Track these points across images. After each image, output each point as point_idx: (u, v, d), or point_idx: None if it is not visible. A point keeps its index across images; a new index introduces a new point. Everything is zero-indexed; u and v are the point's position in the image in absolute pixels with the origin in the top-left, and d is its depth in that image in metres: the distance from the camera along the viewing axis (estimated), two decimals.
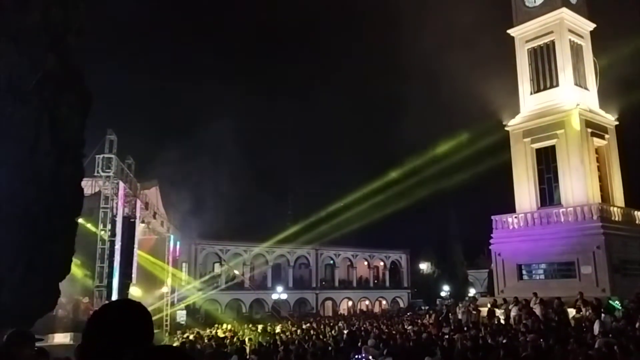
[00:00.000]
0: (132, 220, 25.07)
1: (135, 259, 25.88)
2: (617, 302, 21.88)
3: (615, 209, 28.62)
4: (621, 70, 31.01)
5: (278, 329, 28.64)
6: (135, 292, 26.94)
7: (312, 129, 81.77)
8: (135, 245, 26.04)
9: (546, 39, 30.94)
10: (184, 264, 43.42)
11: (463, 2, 34.42)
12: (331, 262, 56.82)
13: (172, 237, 35.67)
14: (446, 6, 36.04)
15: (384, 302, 58.40)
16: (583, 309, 20.70)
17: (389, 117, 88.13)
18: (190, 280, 42.92)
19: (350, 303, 56.16)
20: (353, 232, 51.80)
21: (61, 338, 18.85)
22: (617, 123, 31.11)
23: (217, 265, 50.41)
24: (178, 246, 38.11)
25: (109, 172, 21.97)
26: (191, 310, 41.61)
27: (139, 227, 28.13)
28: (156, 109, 64.49)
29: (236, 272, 48.98)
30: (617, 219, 28.02)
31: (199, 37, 79.61)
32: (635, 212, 29.71)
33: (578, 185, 28.31)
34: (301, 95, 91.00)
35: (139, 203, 26.69)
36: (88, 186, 21.06)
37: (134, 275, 25.45)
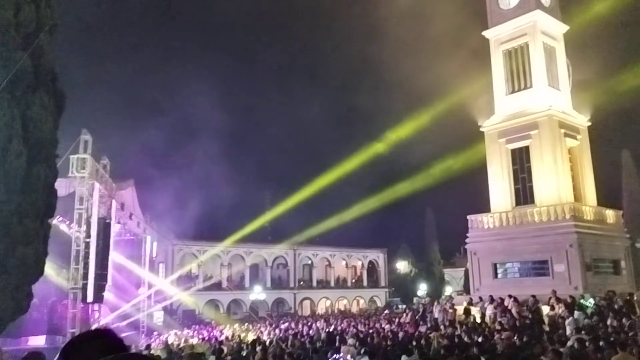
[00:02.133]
0: (108, 221, 24.73)
1: (110, 260, 25.54)
2: (590, 299, 22.35)
3: (587, 208, 29.18)
4: (593, 71, 31.69)
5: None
6: (110, 294, 26.61)
7: (291, 130, 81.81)
8: (111, 247, 25.70)
9: (520, 41, 31.38)
10: (160, 265, 42.96)
11: (439, 5, 34.75)
12: (309, 262, 56.88)
13: (148, 237, 35.29)
14: (421, 10, 36.38)
15: (361, 301, 58.63)
16: (556, 307, 21.08)
17: (363, 115, 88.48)
18: (167, 281, 42.52)
19: (328, 303, 56.26)
20: (331, 231, 51.98)
21: (36, 340, 18.55)
22: (589, 124, 31.73)
23: (194, 265, 50.05)
24: (155, 247, 37.73)
25: (83, 172, 21.64)
26: (168, 311, 41.25)
27: (115, 228, 27.78)
28: (133, 109, 63.82)
29: (211, 273, 48.68)
30: (589, 218, 28.58)
31: (176, 37, 78.87)
32: (606, 211, 30.34)
33: (551, 185, 28.80)
34: (281, 93, 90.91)
35: (114, 204, 26.35)
36: (62, 187, 20.70)
37: (109, 277, 25.12)
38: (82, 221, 21.76)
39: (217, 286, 49.14)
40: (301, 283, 55.56)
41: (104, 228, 23.90)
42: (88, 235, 21.93)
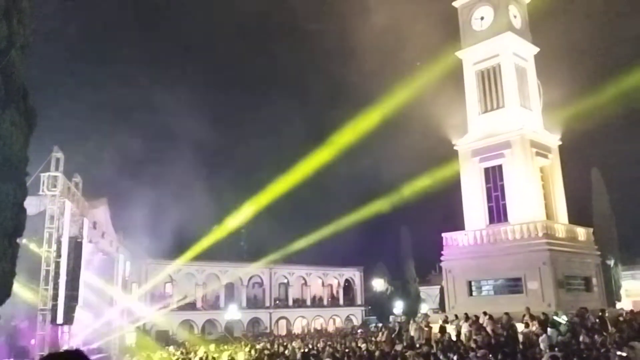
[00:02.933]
0: (79, 240, 24.23)
1: (82, 280, 24.98)
2: (563, 316, 22.59)
3: (559, 226, 29.66)
4: (562, 92, 32.47)
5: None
6: (81, 314, 25.97)
7: (270, 147, 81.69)
8: (82, 266, 25.15)
9: (493, 62, 32.05)
10: (134, 285, 42.20)
11: (412, 25, 35.32)
12: (285, 280, 56.50)
13: (121, 257, 34.68)
14: (397, 31, 36.94)
15: (337, 320, 58.35)
16: (530, 324, 21.26)
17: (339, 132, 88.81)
18: (140, 301, 41.76)
19: (304, 322, 55.83)
20: (307, 250, 51.79)
21: None
22: (560, 143, 32.42)
23: (168, 285, 49.29)
24: (128, 266, 37.09)
25: (54, 190, 21.25)
26: (141, 331, 40.42)
27: (87, 247, 27.22)
28: (108, 126, 62.98)
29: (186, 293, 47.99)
30: (561, 235, 29.03)
31: (154, 51, 78.55)
32: (577, 229, 30.88)
33: (524, 203, 29.24)
34: (261, 109, 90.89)
35: (86, 222, 25.86)
36: (33, 205, 20.29)
37: (80, 298, 24.54)
38: (52, 240, 21.29)
39: (192, 306, 48.44)
40: (277, 302, 55.10)
41: (75, 247, 23.40)
42: (59, 255, 21.46)
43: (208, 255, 49.28)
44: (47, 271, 20.90)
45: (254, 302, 53.87)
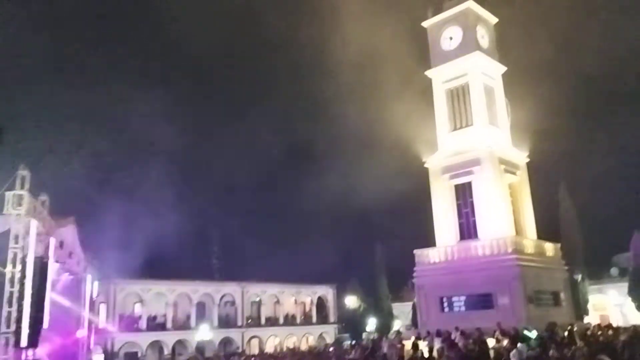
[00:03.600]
0: (45, 260, 23.58)
1: (47, 301, 24.28)
2: (533, 331, 22.87)
3: (528, 241, 30.18)
4: (530, 110, 33.30)
5: None
6: (47, 337, 25.21)
7: (242, 165, 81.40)
8: (48, 287, 24.46)
9: (462, 81, 32.72)
10: (102, 305, 41.20)
11: (383, 45, 35.90)
12: (257, 299, 55.91)
13: (89, 277, 33.86)
14: (368, 48, 37.47)
15: (310, 338, 57.84)
16: (501, 339, 21.46)
17: (314, 150, 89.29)
18: (108, 322, 40.79)
19: (277, 340, 55.19)
20: (280, 267, 51.55)
21: None
22: (528, 160, 33.12)
23: (137, 305, 48.25)
24: (96, 286, 36.21)
25: (19, 209, 20.69)
26: (109, 354, 39.43)
27: (53, 267, 26.51)
28: (76, 144, 61.93)
29: (155, 313, 47.06)
30: (529, 251, 29.54)
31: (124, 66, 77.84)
32: (545, 244, 31.46)
33: (494, 220, 29.70)
34: (235, 126, 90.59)
35: (53, 242, 25.20)
36: None
37: (46, 319, 23.84)
38: (17, 260, 20.68)
39: (162, 326, 47.42)
40: (249, 321, 54.40)
41: (41, 268, 22.74)
42: (23, 276, 20.81)
43: (179, 274, 48.55)
44: (11, 292, 20.24)
45: (225, 322, 53.05)
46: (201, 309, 51.93)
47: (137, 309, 47.55)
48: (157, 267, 47.66)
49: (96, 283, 36.03)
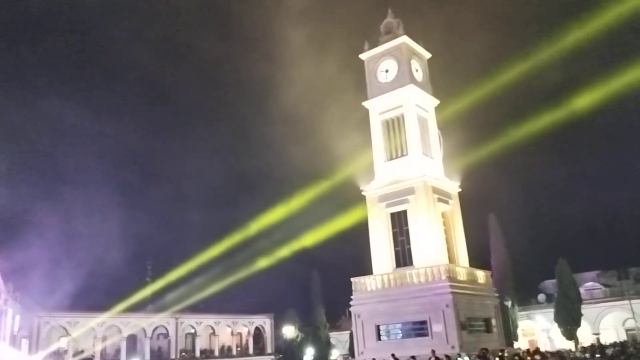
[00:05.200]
0: None
1: None
2: (465, 357, 23.34)
3: (460, 269, 30.95)
4: (461, 142, 34.64)
5: None
6: None
7: (174, 195, 79.79)
8: None
9: (397, 112, 33.66)
10: (23, 340, 38.77)
11: (325, 76, 36.59)
12: (192, 330, 54.25)
13: (10, 310, 31.91)
14: (309, 79, 38.06)
15: None
16: None
17: (253, 180, 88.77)
18: (31, 358, 38.31)
19: None
20: (215, 298, 50.36)
21: None
22: (459, 190, 34.24)
23: (63, 339, 45.67)
24: (17, 320, 34.14)
25: None
26: None
27: None
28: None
29: (84, 348, 44.67)
30: (462, 278, 30.27)
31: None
32: (477, 272, 32.37)
33: (428, 247, 30.33)
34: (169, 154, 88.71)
35: None
36: None
37: None
38: None
39: None
40: (183, 354, 52.60)
41: None
42: None
43: (109, 306, 46.49)
44: None
45: (158, 355, 51.09)
46: (132, 342, 49.83)
47: (63, 343, 45.00)
48: (85, 298, 45.50)
49: (18, 317, 34.02)
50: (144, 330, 49.76)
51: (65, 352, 44.26)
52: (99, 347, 45.87)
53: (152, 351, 50.26)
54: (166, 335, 51.93)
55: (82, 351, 45.06)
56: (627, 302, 45.43)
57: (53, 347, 43.60)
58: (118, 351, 48.08)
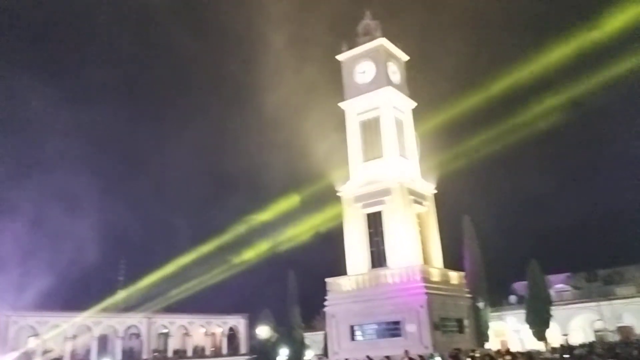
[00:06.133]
0: None
1: None
2: (438, 358, 23.56)
3: (434, 270, 31.22)
4: (437, 144, 34.94)
5: None
6: None
7: (153, 191, 78.81)
8: None
9: (374, 113, 33.81)
10: None
11: (304, 76, 36.56)
12: (165, 330, 53.63)
13: None
14: (286, 79, 37.98)
15: None
16: None
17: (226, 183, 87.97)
18: None
19: None
20: (189, 297, 49.87)
21: None
22: (435, 191, 34.54)
23: (32, 339, 44.69)
24: None
25: None
26: None
27: None
28: None
29: (52, 348, 43.75)
30: (436, 279, 30.53)
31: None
32: (450, 273, 32.70)
33: (402, 248, 30.53)
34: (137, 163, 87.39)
35: None
36: None
37: None
38: None
39: None
40: (155, 354, 51.93)
41: None
42: None
43: (80, 305, 45.69)
44: None
45: (129, 355, 50.34)
46: (103, 342, 49.03)
47: (31, 343, 44.04)
48: (55, 297, 44.65)
49: None
50: (116, 330, 49.04)
51: (34, 352, 43.33)
52: (68, 347, 45.00)
53: (123, 351, 49.54)
54: (138, 336, 51.23)
55: (49, 350, 44.16)
56: (595, 304, 46.39)
57: (23, 348, 42.69)
58: (88, 351, 47.25)
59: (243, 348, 59.58)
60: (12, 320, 42.18)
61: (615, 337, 43.34)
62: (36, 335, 43.82)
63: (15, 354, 40.25)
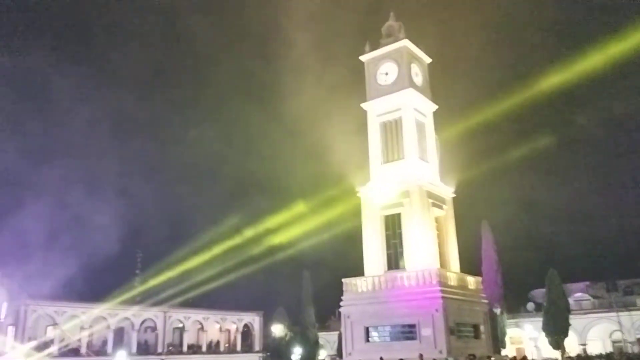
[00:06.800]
0: None
1: None
2: None
3: (451, 274, 30.99)
4: (458, 148, 34.68)
5: None
6: None
7: (170, 187, 79.47)
8: None
9: (395, 115, 33.66)
10: (9, 328, 38.53)
11: (320, 78, 36.57)
12: (181, 325, 54.08)
13: None
14: (307, 77, 38.00)
15: None
16: None
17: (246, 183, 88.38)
18: (17, 347, 38.11)
19: None
20: (205, 293, 50.23)
21: None
22: (454, 195, 34.29)
23: (50, 328, 45.40)
24: (4, 308, 33.93)
25: None
26: None
27: None
28: None
29: (67, 335, 44.31)
30: (453, 283, 30.30)
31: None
32: (467, 278, 32.44)
33: (420, 251, 30.36)
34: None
35: None
36: None
37: None
38: None
39: (75, 352, 44.74)
40: (170, 348, 52.38)
41: None
42: None
43: (98, 296, 46.31)
44: None
45: (145, 348, 50.86)
46: (119, 334, 49.60)
47: (50, 332, 44.74)
48: (74, 288, 45.27)
49: (5, 304, 33.81)
50: (132, 323, 49.57)
51: (52, 341, 43.98)
52: (85, 338, 45.60)
53: (139, 344, 50.07)
54: (154, 329, 51.72)
55: (68, 341, 44.79)
56: (614, 314, 45.69)
57: (43, 337, 43.35)
58: (105, 342, 47.84)
59: (257, 345, 59.80)
60: (31, 309, 42.84)
61: (634, 349, 42.67)
62: (54, 324, 44.49)
63: (34, 342, 40.84)
